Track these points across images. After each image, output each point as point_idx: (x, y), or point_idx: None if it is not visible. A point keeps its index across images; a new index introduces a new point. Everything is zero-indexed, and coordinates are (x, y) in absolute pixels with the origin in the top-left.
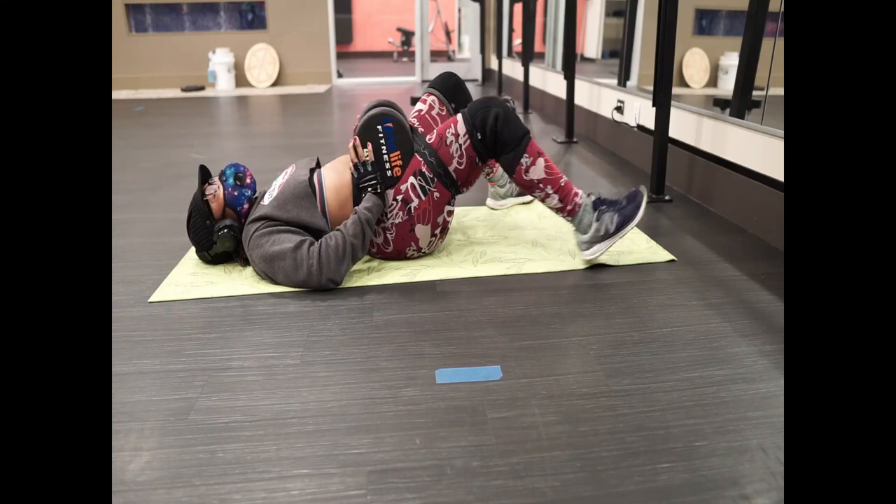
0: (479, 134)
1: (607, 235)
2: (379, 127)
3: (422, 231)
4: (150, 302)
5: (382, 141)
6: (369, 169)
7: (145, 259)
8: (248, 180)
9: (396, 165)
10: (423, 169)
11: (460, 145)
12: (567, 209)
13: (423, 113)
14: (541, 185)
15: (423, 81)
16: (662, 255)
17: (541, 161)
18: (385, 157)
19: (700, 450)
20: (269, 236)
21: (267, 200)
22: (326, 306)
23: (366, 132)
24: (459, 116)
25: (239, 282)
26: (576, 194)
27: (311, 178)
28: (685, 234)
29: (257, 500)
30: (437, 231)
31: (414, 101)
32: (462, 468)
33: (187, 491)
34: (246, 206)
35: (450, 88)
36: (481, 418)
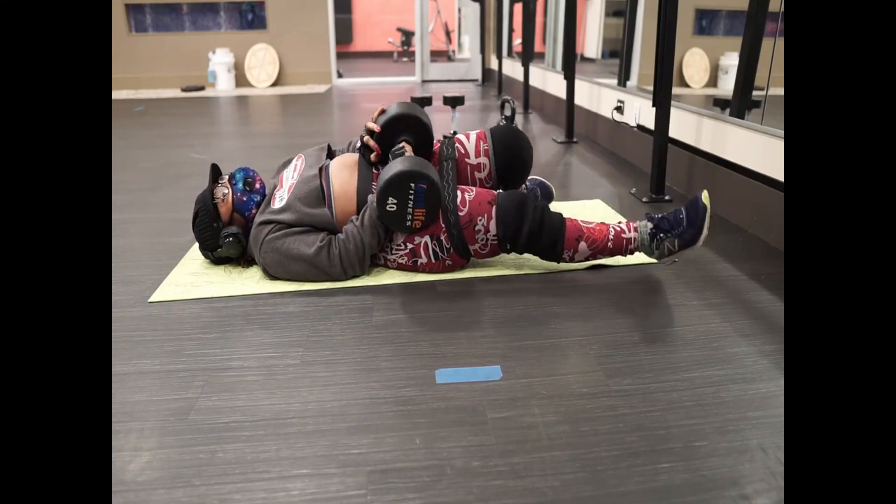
0: (508, 244)
1: (670, 253)
2: (413, 185)
3: (423, 270)
4: (150, 302)
5: (411, 197)
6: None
7: (145, 259)
8: (257, 185)
9: (418, 219)
10: (442, 236)
11: (488, 240)
12: (626, 254)
13: (461, 154)
14: (590, 258)
15: (424, 82)
16: None
17: (582, 245)
18: (409, 210)
19: (700, 450)
20: (284, 239)
21: (277, 202)
22: (326, 306)
23: (396, 188)
24: (494, 212)
25: (239, 282)
26: (627, 242)
27: (320, 180)
28: None
29: (257, 500)
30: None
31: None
32: (462, 468)
33: (187, 491)
34: (254, 211)
35: (507, 158)
36: (481, 418)
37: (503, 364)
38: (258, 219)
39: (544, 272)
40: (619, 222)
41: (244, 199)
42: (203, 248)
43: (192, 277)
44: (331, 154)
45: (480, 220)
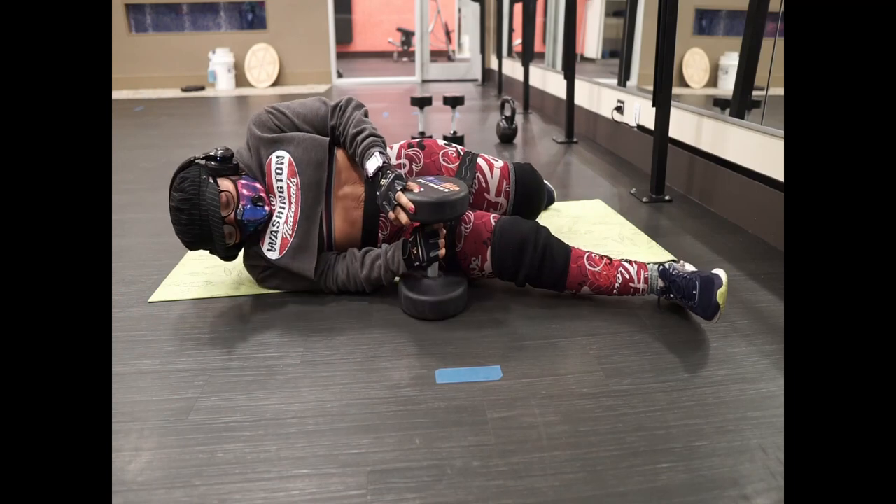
0: (507, 280)
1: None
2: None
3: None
4: (150, 302)
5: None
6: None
7: (145, 259)
8: (266, 207)
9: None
10: (442, 262)
11: (483, 274)
12: (631, 296)
13: (481, 187)
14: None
15: (424, 82)
16: (662, 255)
17: (585, 290)
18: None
19: (700, 450)
20: (282, 280)
21: (268, 246)
22: (326, 306)
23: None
24: (489, 254)
25: (239, 282)
26: (635, 291)
27: (321, 225)
28: (685, 234)
29: (257, 500)
30: None
31: (418, 101)
32: (462, 468)
33: (187, 491)
34: (250, 232)
35: (525, 203)
36: (481, 418)
37: (503, 364)
38: (249, 256)
39: None
40: (628, 264)
41: (250, 218)
42: (189, 246)
43: (192, 277)
44: (330, 154)
45: (475, 261)
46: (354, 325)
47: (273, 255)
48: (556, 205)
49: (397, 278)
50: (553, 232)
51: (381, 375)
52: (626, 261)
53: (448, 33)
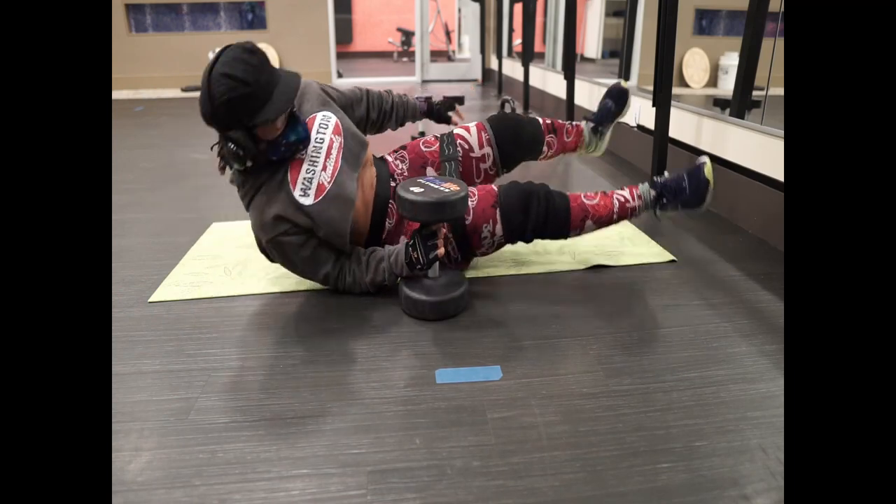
0: (517, 241)
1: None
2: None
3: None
4: (150, 302)
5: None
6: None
7: (145, 259)
8: (304, 133)
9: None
10: (450, 248)
11: (494, 242)
12: (631, 219)
13: (465, 150)
14: (597, 230)
15: (424, 81)
16: (662, 255)
17: (588, 223)
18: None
19: (700, 450)
20: (295, 254)
21: (300, 190)
22: (326, 306)
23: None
24: (498, 215)
25: (239, 282)
26: (632, 210)
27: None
28: (685, 234)
29: (257, 500)
30: None
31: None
32: (462, 468)
33: (187, 491)
34: (274, 159)
35: (510, 140)
36: (481, 418)
37: (503, 364)
38: (275, 203)
39: (544, 272)
40: (621, 191)
41: (282, 141)
42: (228, 107)
43: (192, 277)
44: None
45: (486, 227)
46: (354, 325)
47: (307, 201)
48: None
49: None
50: None
51: (381, 375)
52: (619, 189)
53: (448, 33)
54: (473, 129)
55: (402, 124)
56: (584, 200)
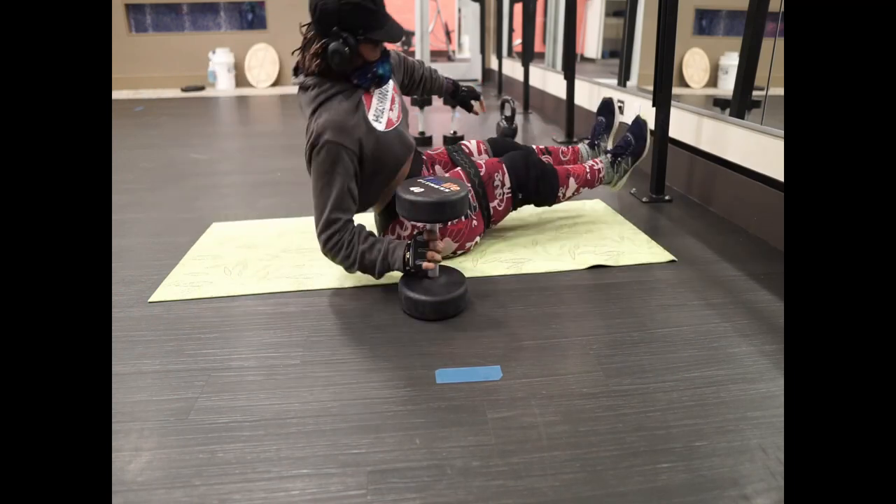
0: (520, 193)
1: (625, 173)
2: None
3: (447, 244)
4: (150, 302)
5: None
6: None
7: (145, 259)
8: (388, 72)
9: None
10: (469, 196)
11: (503, 192)
12: (597, 184)
13: (467, 154)
14: (576, 192)
15: None
16: (662, 255)
17: (571, 181)
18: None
19: (700, 450)
20: (343, 172)
21: (374, 114)
22: (326, 306)
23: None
24: (504, 168)
25: (239, 282)
26: (598, 171)
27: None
28: (685, 234)
29: (257, 500)
30: (459, 252)
31: (418, 102)
32: (462, 468)
33: (187, 491)
34: (355, 82)
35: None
36: (481, 418)
37: (503, 364)
38: (352, 117)
39: (544, 272)
40: (588, 162)
41: (372, 69)
42: (332, 20)
43: (192, 277)
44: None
45: (497, 176)
46: (354, 325)
47: (379, 126)
48: (556, 205)
49: (398, 279)
50: (553, 232)
51: (381, 375)
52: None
53: (448, 33)
54: (474, 142)
55: (427, 95)
56: (564, 165)
